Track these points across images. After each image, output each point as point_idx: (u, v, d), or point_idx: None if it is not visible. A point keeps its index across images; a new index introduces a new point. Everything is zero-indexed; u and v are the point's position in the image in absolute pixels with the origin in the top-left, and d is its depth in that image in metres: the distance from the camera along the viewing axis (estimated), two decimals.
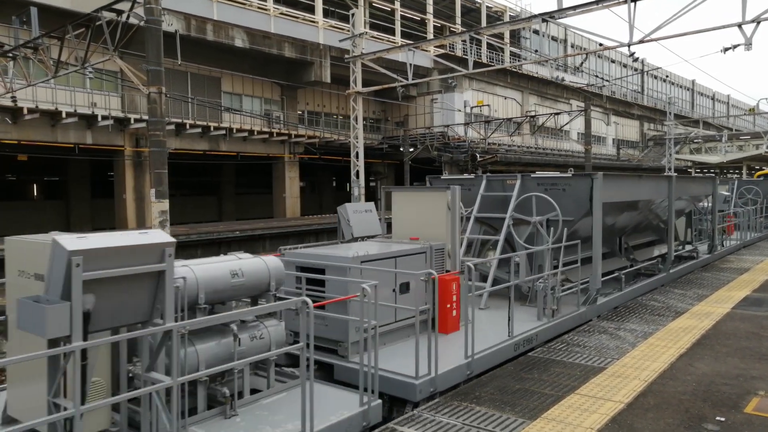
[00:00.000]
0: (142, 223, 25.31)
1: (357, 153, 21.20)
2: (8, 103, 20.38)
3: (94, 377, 4.09)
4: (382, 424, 4.97)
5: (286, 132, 31.12)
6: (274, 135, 30.38)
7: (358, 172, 21.37)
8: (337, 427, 4.64)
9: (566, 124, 39.37)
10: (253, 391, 5.21)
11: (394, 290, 6.75)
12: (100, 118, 23.47)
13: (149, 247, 3.87)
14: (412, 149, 34.48)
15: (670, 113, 42.03)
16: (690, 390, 5.56)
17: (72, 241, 3.54)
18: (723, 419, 4.87)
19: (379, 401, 5.07)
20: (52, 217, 31.08)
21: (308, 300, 4.36)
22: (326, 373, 6.17)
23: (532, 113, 38.27)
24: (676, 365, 6.31)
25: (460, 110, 37.31)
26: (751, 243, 18.26)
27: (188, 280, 4.78)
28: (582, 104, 37.81)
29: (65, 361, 3.70)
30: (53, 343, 3.57)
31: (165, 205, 13.48)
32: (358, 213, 9.01)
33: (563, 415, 4.99)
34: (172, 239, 4.04)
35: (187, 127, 26.43)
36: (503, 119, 35.53)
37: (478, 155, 34.46)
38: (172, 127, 25.49)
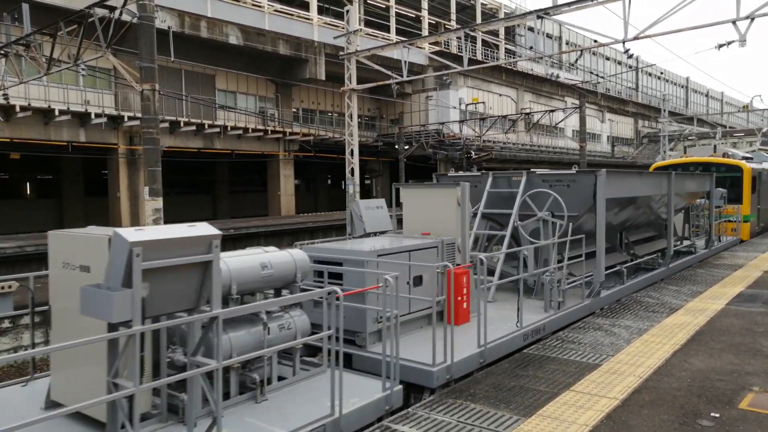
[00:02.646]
0: (136, 222, 25.18)
1: (352, 150, 21.15)
2: (0, 100, 20.23)
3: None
4: (402, 409, 5.15)
5: (281, 130, 31.03)
6: (269, 133, 30.28)
7: (353, 169, 21.32)
8: (362, 409, 4.94)
9: (561, 121, 39.42)
10: (279, 379, 5.42)
11: (408, 283, 7.05)
12: (93, 116, 23.31)
13: (199, 239, 4.11)
14: (407, 147, 34.44)
15: (664, 110, 42.14)
16: (685, 386, 5.56)
17: (132, 234, 3.83)
18: (717, 415, 4.87)
19: (401, 386, 5.37)
20: (45, 215, 30.90)
21: (337, 289, 4.64)
22: (344, 363, 6.25)
23: (527, 110, 38.29)
24: (671, 361, 6.31)
25: (455, 107, 37.28)
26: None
27: (222, 272, 4.92)
28: (577, 101, 37.84)
29: (125, 345, 3.97)
30: (113, 327, 3.88)
31: (159, 203, 13.41)
32: (369, 209, 9.43)
33: (558, 412, 4.98)
34: (219, 232, 4.24)
35: (182, 124, 26.30)
36: (498, 116, 35.53)
37: (473, 152, 34.46)
38: (166, 125, 25.36)
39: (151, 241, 3.82)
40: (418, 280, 7.21)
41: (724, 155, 19.51)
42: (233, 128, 28.53)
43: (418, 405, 5.22)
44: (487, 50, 43.18)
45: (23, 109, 21.36)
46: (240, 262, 5.26)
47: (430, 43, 34.91)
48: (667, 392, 5.41)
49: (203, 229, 4.20)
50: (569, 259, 8.74)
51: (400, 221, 9.24)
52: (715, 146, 21.09)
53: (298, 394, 5.19)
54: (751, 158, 20.86)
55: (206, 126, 27.26)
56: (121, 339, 3.94)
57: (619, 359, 6.41)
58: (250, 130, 29.31)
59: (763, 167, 20.08)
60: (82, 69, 15.52)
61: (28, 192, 32.74)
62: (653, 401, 5.19)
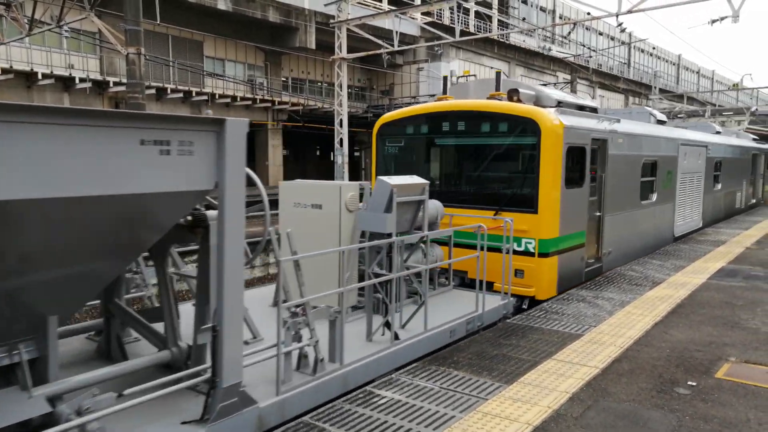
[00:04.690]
0: None
1: (341, 121, 20.98)
2: None
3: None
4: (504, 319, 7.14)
5: (270, 99, 30.66)
6: (258, 101, 29.92)
7: (342, 140, 21.17)
8: (494, 310, 7.21)
9: None
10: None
11: None
12: (77, 81, 22.88)
13: (419, 185, 6.52)
14: None
15: (655, 87, 42.12)
16: (664, 356, 5.67)
17: (391, 180, 6.13)
18: (694, 384, 4.98)
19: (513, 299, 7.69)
20: None
21: (483, 225, 6.92)
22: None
23: None
24: (652, 333, 6.42)
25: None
26: None
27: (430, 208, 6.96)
28: (569, 77, 37.68)
29: (384, 250, 6.18)
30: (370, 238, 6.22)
31: None
32: None
33: (539, 379, 5.06)
34: (427, 181, 6.70)
35: (169, 91, 25.90)
36: None
37: None
38: (153, 91, 24.95)
39: (399, 185, 6.13)
40: None
41: (511, 96, 8.45)
42: (221, 96, 28.16)
43: (401, 371, 5.28)
44: (480, 22, 42.69)
45: (5, 71, 20.90)
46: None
47: (422, 14, 34.40)
48: (647, 362, 5.51)
49: (418, 179, 6.58)
50: None
51: None
52: (498, 74, 9.33)
53: (441, 299, 7.43)
54: (618, 117, 10.13)
55: (194, 93, 26.87)
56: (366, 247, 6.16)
57: (601, 330, 6.50)
58: (238, 99, 28.95)
59: (615, 129, 9.47)
60: (66, 31, 15.15)
61: None
62: (632, 370, 5.29)
